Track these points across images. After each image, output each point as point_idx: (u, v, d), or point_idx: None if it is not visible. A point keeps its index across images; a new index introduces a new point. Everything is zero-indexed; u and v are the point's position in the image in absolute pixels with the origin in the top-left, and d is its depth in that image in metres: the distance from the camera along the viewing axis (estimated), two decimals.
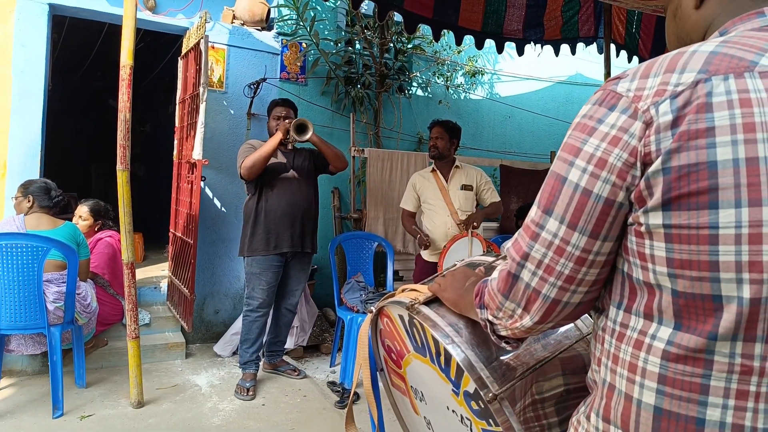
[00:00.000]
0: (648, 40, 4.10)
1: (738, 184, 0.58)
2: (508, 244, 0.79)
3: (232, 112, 4.36)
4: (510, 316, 0.78)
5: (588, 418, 0.75)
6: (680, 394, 0.63)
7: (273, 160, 3.28)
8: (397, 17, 3.82)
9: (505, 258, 0.89)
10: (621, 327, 0.70)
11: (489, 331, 0.85)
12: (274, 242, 3.28)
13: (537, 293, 0.72)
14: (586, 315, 0.79)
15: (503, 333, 0.82)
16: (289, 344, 3.89)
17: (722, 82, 0.60)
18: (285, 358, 3.74)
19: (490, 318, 0.82)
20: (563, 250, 0.69)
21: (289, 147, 3.38)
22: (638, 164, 0.63)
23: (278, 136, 3.20)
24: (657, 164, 0.61)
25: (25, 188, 3.16)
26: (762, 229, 0.58)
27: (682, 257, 0.61)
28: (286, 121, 3.25)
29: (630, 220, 0.66)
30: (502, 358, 0.98)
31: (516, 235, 0.77)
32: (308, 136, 3.18)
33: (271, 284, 3.34)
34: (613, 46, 4.03)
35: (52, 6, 3.85)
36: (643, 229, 0.64)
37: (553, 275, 0.70)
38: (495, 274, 0.80)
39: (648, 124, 0.62)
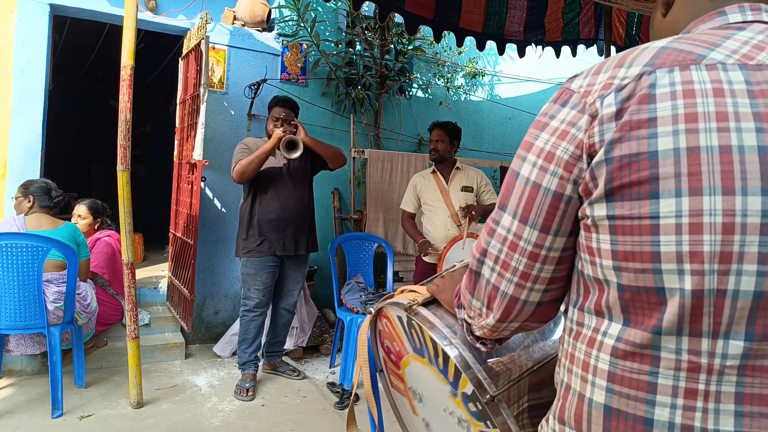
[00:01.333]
0: (648, 42, 4.10)
1: (678, 173, 0.57)
2: (473, 245, 0.79)
3: (232, 112, 4.36)
4: (479, 315, 0.78)
5: (547, 420, 0.75)
6: (628, 392, 0.62)
7: (269, 162, 3.26)
8: (398, 18, 3.82)
9: None
10: (577, 326, 0.70)
11: (466, 331, 0.85)
12: (267, 245, 3.29)
13: (496, 290, 0.73)
14: None
15: (477, 333, 0.82)
16: (289, 345, 3.89)
17: (666, 74, 0.60)
18: (284, 358, 3.74)
19: (466, 318, 0.82)
20: (516, 245, 0.69)
21: (292, 158, 3.26)
22: (584, 156, 0.63)
23: (270, 145, 3.15)
24: (600, 154, 0.61)
25: (26, 188, 3.16)
26: (702, 219, 0.56)
27: (626, 249, 0.61)
28: (281, 129, 3.20)
29: (579, 214, 0.66)
30: (500, 359, 0.98)
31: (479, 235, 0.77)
32: (297, 154, 3.15)
33: (267, 284, 3.34)
34: (613, 48, 4.03)
35: (53, 6, 3.86)
36: (589, 221, 0.64)
37: (508, 271, 0.70)
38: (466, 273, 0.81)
39: (593, 117, 0.62)
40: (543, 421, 0.76)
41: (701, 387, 0.58)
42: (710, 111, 0.57)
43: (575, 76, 0.69)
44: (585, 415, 0.66)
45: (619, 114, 0.60)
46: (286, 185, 3.33)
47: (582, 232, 0.67)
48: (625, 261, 0.61)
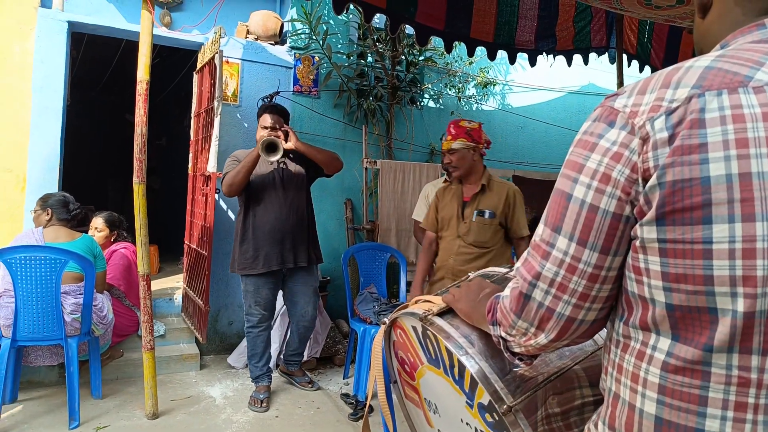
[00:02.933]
0: (660, 49, 4.09)
1: (731, 199, 0.58)
2: (518, 264, 0.79)
3: (246, 125, 4.40)
4: (523, 334, 0.78)
5: (596, 425, 0.76)
6: (679, 404, 0.63)
7: (261, 171, 3.20)
8: (409, 30, 3.85)
9: None
10: (624, 338, 0.71)
11: (502, 347, 0.85)
12: (263, 260, 3.17)
13: (551, 312, 0.73)
14: None
15: (517, 350, 0.83)
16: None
17: (715, 98, 0.60)
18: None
19: (503, 335, 0.82)
20: (575, 268, 0.69)
21: (271, 161, 3.11)
22: (639, 179, 0.64)
23: (255, 152, 3.06)
24: (653, 179, 0.62)
25: (44, 201, 3.21)
26: (756, 244, 0.58)
27: (677, 271, 0.62)
28: (266, 132, 3.16)
29: (632, 233, 0.67)
30: (516, 369, 0.98)
31: (525, 254, 0.77)
32: (277, 157, 3.03)
33: (269, 299, 3.28)
34: (625, 56, 4.02)
35: (71, 23, 3.94)
36: (638, 243, 0.65)
37: (566, 293, 0.71)
38: (507, 291, 0.80)
39: (645, 140, 0.63)
40: (591, 425, 0.78)
41: (751, 400, 0.60)
42: (760, 136, 0.58)
43: (616, 95, 0.69)
44: (636, 425, 0.67)
45: (671, 139, 0.61)
46: (280, 196, 3.23)
47: (629, 252, 0.68)
48: (676, 283, 0.62)
